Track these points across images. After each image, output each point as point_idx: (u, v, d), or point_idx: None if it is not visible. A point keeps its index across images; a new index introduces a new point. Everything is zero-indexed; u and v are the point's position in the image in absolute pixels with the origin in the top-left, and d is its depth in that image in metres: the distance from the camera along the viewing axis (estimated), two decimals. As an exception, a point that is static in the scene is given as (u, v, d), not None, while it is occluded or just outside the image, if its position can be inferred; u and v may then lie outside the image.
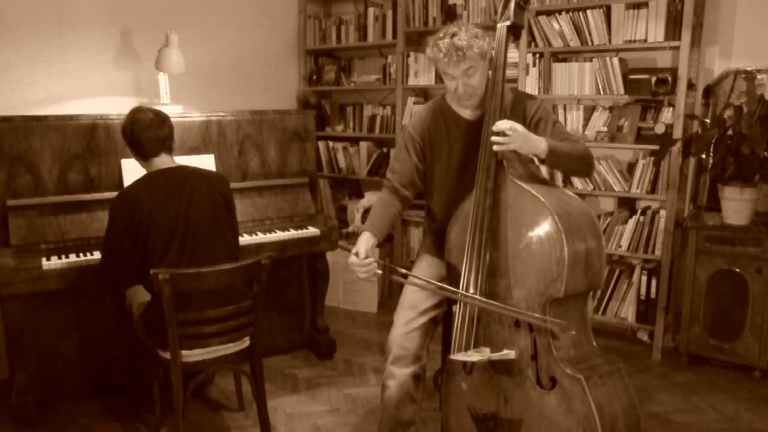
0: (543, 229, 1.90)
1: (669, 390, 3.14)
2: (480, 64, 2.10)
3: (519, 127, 1.97)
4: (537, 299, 1.91)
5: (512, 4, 2.10)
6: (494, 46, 2.11)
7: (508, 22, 2.10)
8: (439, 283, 2.13)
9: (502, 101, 2.08)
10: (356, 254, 2.08)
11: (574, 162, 2.12)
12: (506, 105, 2.15)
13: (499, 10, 2.14)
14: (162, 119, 2.50)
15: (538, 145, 2.01)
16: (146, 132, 2.45)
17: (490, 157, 2.02)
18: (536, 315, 1.90)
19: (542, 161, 2.06)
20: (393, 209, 2.27)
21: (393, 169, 2.32)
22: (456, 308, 2.10)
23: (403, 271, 2.17)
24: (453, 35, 2.07)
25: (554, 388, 1.89)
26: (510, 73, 2.11)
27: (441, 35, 2.10)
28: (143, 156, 2.49)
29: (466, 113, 2.26)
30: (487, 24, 3.80)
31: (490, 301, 1.96)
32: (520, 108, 2.21)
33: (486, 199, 2.00)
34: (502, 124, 1.96)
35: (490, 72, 2.12)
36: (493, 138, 1.97)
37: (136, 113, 2.49)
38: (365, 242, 2.14)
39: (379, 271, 2.10)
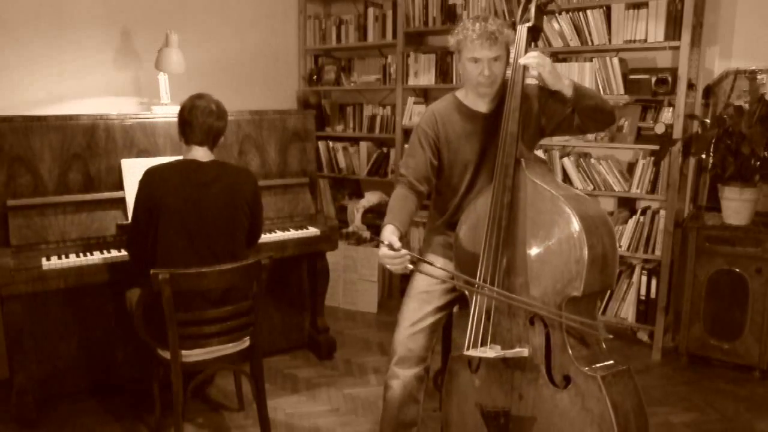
0: (563, 228, 1.90)
1: (669, 390, 3.14)
2: (505, 54, 2.14)
3: (546, 57, 2.06)
4: (553, 297, 1.91)
5: (533, 7, 2.10)
6: (513, 47, 2.12)
7: (529, 24, 2.10)
8: (467, 277, 2.05)
9: (522, 102, 2.07)
10: (389, 246, 1.95)
11: (599, 101, 2.13)
12: (527, 98, 2.16)
13: (519, 12, 2.14)
14: (220, 113, 2.51)
15: (563, 78, 2.06)
16: (200, 118, 2.45)
17: (509, 156, 2.02)
18: (558, 312, 1.89)
19: (567, 101, 2.10)
20: (411, 204, 2.21)
21: (407, 164, 2.27)
22: (470, 305, 2.07)
23: (434, 264, 2.06)
24: (484, 20, 2.10)
25: (568, 386, 1.89)
26: (510, 73, 2.13)
27: (470, 20, 2.13)
28: (186, 140, 2.50)
29: (482, 107, 2.24)
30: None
31: (515, 296, 1.95)
32: (539, 95, 2.22)
33: (504, 196, 1.99)
34: (531, 56, 2.04)
35: (509, 72, 2.12)
36: (522, 60, 2.03)
37: (198, 99, 2.50)
38: (392, 233, 2.04)
39: (411, 266, 1.97)
